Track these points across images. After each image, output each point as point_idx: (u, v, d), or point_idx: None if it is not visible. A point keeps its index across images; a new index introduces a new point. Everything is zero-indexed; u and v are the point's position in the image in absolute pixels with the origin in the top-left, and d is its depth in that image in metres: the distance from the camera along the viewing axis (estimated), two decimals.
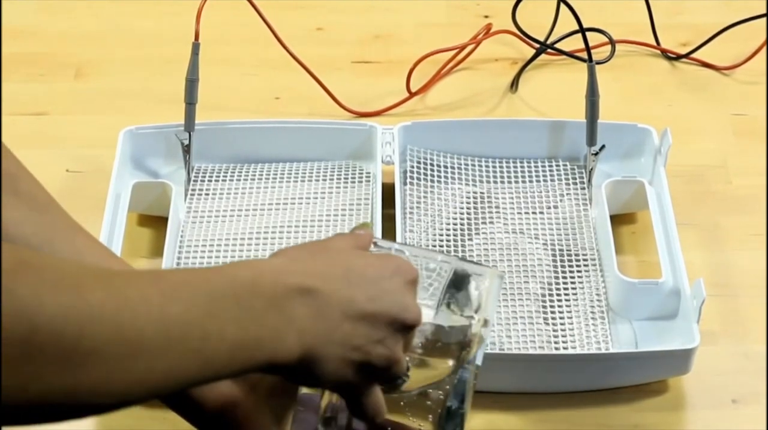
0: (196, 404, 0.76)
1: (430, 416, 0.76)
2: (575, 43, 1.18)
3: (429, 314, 0.76)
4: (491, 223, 1.12)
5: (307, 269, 0.68)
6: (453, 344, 0.77)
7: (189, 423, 0.78)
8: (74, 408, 0.58)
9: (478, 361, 0.77)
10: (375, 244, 0.77)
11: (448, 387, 0.76)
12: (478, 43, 1.32)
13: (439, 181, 1.15)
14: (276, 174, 1.16)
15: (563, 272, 1.07)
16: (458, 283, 0.78)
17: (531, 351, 1.01)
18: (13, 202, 0.77)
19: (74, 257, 0.77)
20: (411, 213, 1.11)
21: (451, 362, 0.76)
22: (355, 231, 0.78)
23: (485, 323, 0.78)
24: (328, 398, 0.76)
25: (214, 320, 0.62)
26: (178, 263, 1.07)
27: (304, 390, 0.77)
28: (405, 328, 0.70)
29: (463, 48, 1.32)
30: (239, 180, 1.16)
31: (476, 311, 0.77)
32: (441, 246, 1.09)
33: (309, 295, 0.66)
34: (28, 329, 0.53)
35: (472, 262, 0.81)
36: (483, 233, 1.11)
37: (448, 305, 0.77)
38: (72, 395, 0.56)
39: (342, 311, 0.67)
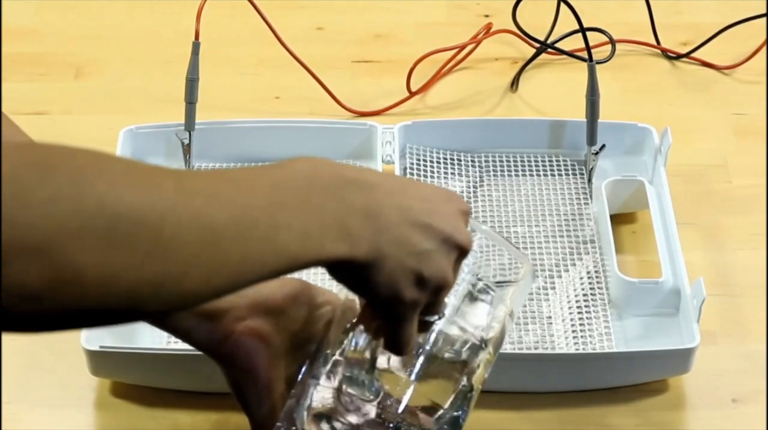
0: (221, 335, 0.78)
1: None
2: (575, 43, 1.18)
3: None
4: (491, 220, 1.12)
5: (364, 170, 0.69)
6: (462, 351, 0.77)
7: (214, 359, 0.80)
8: (162, 300, 0.59)
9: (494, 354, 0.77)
10: None
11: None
12: (478, 43, 1.32)
13: (439, 178, 1.15)
14: None
15: (565, 270, 1.07)
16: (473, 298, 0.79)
17: (531, 350, 1.01)
18: None
19: None
20: None
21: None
22: None
23: (511, 314, 0.78)
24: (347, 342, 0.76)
25: (279, 209, 0.63)
26: None
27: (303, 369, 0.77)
28: (457, 248, 0.70)
29: (463, 48, 1.32)
30: None
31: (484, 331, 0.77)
32: None
33: (367, 187, 0.67)
34: (112, 219, 0.55)
35: (514, 246, 0.81)
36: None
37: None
38: (160, 285, 0.58)
39: (400, 212, 0.67)
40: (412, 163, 1.15)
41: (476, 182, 1.15)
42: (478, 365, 0.77)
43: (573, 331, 1.02)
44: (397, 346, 0.72)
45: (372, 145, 1.16)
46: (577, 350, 1.01)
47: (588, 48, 1.11)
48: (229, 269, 0.61)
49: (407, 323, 0.71)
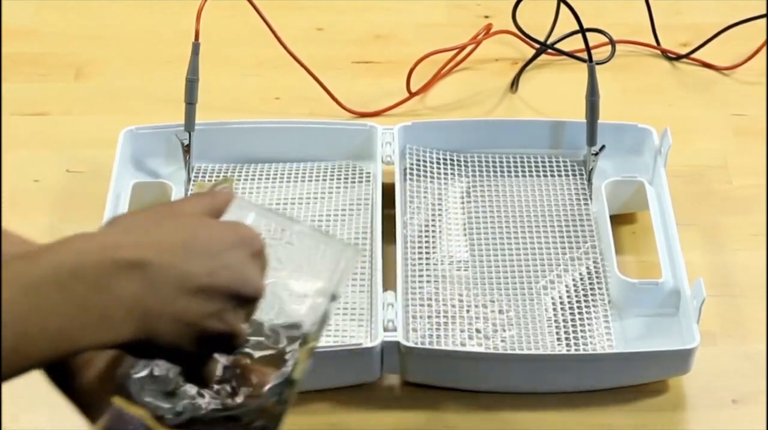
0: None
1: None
2: (575, 44, 1.18)
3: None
4: (491, 220, 1.12)
5: (141, 241, 0.65)
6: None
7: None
8: None
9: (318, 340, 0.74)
10: (236, 203, 0.73)
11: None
12: (478, 44, 1.32)
13: (439, 178, 1.15)
14: (276, 174, 1.16)
15: (565, 271, 1.07)
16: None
17: (530, 351, 1.01)
18: None
19: None
20: (411, 205, 1.11)
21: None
22: (215, 188, 0.75)
23: (333, 298, 0.74)
24: None
25: (31, 314, 0.60)
26: None
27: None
28: (245, 301, 0.68)
29: (463, 48, 1.32)
30: (239, 180, 1.16)
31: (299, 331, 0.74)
32: (440, 243, 1.09)
33: (140, 269, 0.64)
34: None
35: (328, 236, 0.77)
36: (483, 228, 1.11)
37: None
38: None
39: (177, 284, 0.65)
40: (412, 164, 1.15)
41: (476, 183, 1.15)
42: (297, 361, 0.75)
43: (573, 331, 1.02)
44: (197, 383, 0.71)
45: (372, 145, 1.16)
46: (577, 350, 1.01)
47: (588, 49, 1.11)
48: None
49: (201, 366, 0.69)
